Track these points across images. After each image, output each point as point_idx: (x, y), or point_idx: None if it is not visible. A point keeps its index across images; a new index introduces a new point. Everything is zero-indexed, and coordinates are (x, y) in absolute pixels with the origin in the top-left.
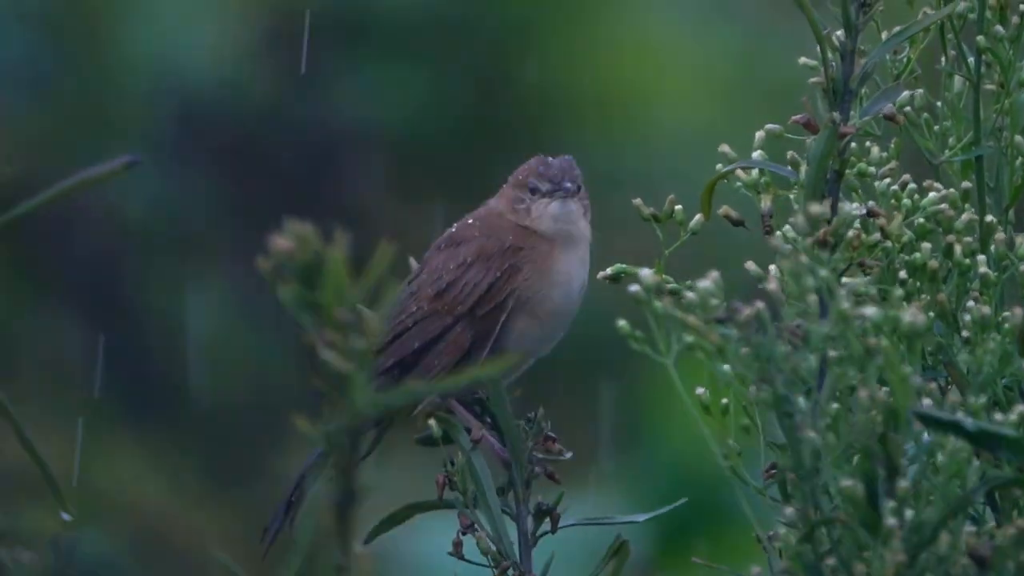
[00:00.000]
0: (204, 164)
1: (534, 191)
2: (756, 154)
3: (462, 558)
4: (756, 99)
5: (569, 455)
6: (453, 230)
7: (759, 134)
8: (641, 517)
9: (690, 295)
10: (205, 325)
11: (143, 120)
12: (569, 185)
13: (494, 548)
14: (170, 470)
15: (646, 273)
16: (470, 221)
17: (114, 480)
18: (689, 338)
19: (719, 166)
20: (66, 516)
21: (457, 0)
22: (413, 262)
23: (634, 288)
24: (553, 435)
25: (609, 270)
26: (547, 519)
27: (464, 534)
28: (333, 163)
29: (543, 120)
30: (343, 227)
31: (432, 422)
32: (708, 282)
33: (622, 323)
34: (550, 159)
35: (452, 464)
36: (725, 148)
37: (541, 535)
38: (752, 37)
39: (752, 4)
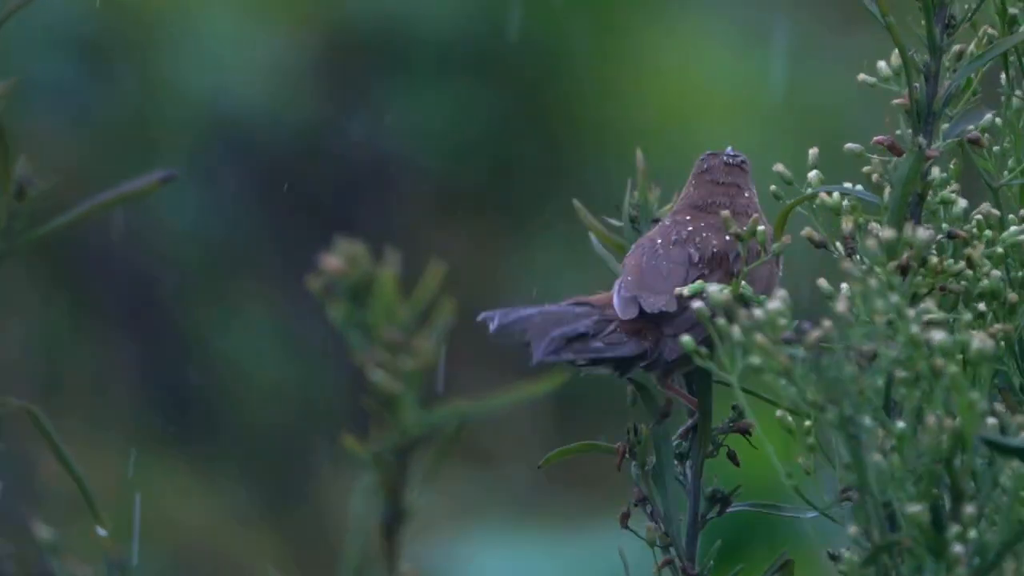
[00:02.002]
0: (247, 187)
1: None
2: (812, 174)
3: (628, 528)
4: (796, 121)
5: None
6: (683, 223)
7: (812, 151)
8: (810, 513)
9: (759, 313)
10: (246, 346)
11: (187, 144)
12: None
13: (662, 530)
14: (214, 490)
15: (713, 289)
16: (688, 215)
17: (159, 499)
18: (756, 359)
19: (772, 187)
20: (102, 531)
21: (499, 27)
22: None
23: (698, 304)
24: (751, 424)
25: (686, 289)
26: (717, 505)
27: (636, 505)
28: (375, 187)
29: (584, 144)
30: (387, 249)
31: (630, 388)
32: (777, 302)
33: (686, 338)
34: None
35: (636, 433)
36: (780, 168)
37: (711, 518)
38: (793, 59)
39: (793, 27)
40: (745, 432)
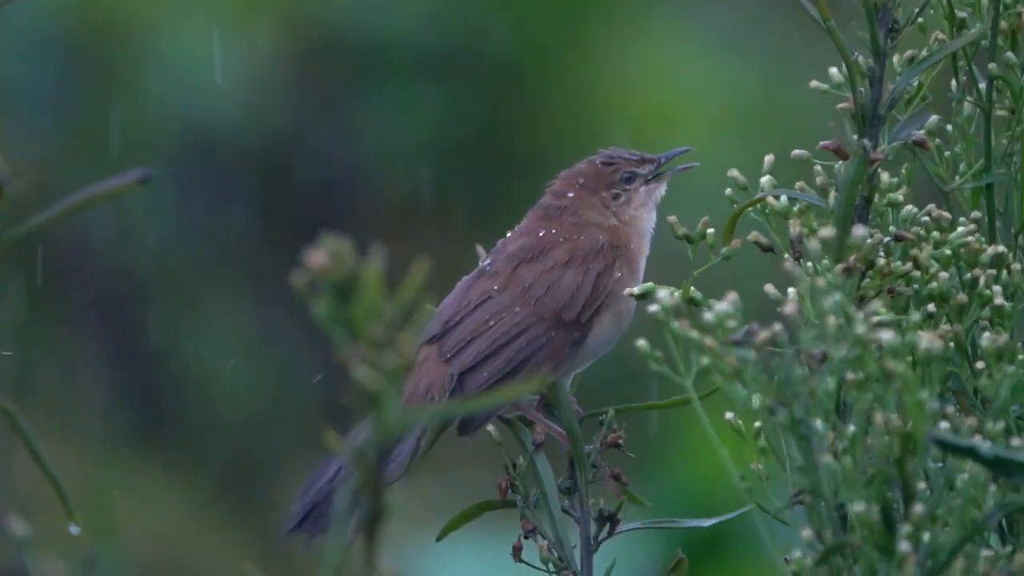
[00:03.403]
0: (218, 194)
1: (631, 179)
2: (764, 179)
3: (522, 561)
4: (772, 126)
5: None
6: (523, 241)
7: (768, 158)
8: (707, 522)
9: (708, 316)
10: (216, 349)
11: (159, 152)
12: (667, 155)
13: (555, 556)
14: (183, 490)
15: (664, 294)
16: (542, 231)
17: (128, 499)
18: (705, 360)
19: (727, 191)
20: (74, 529)
21: (475, 28)
22: (482, 251)
23: (653, 308)
24: (620, 437)
25: (636, 288)
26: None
27: (526, 538)
28: (345, 195)
29: (558, 143)
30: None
31: (491, 428)
32: (726, 304)
33: (641, 343)
34: (613, 149)
35: (515, 468)
36: (735, 173)
37: (602, 540)
38: (769, 66)
39: (770, 33)
40: (615, 445)
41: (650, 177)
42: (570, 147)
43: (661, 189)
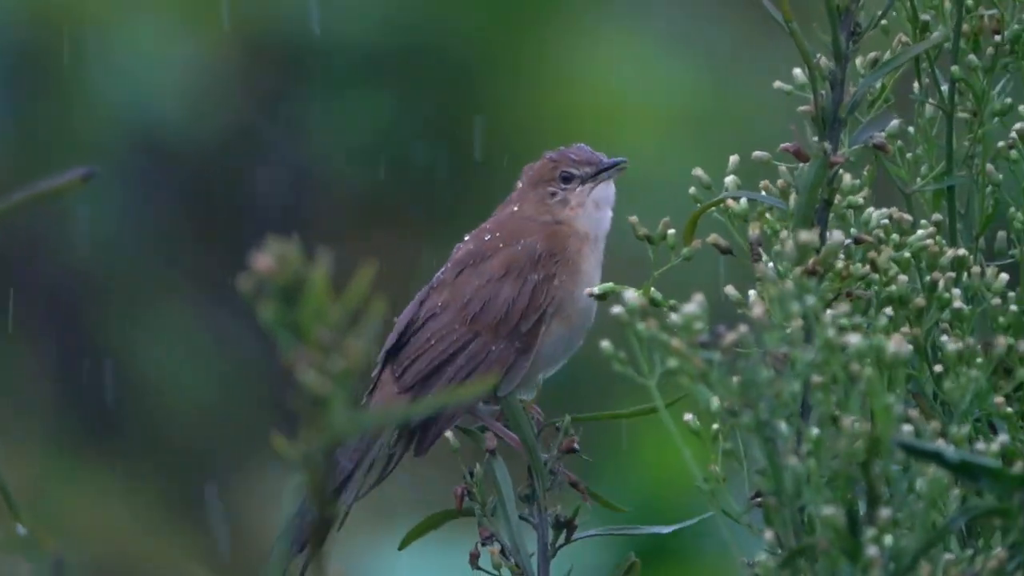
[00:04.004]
0: (166, 196)
1: (568, 179)
2: (729, 179)
3: (479, 568)
4: (720, 127)
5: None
6: (470, 246)
7: (733, 159)
8: (666, 529)
9: (674, 318)
10: (164, 352)
11: (106, 154)
12: (607, 161)
13: (512, 562)
14: (130, 492)
15: (630, 295)
16: (487, 236)
17: (76, 501)
18: (673, 362)
19: (692, 189)
20: (21, 529)
21: (425, 29)
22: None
23: (617, 309)
24: (574, 441)
25: (597, 288)
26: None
27: (483, 545)
28: (294, 196)
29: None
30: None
31: (449, 435)
32: (693, 306)
33: (605, 344)
34: (573, 147)
35: (471, 475)
36: (699, 172)
37: (560, 547)
38: (719, 66)
39: (719, 34)
40: (571, 451)
41: (587, 178)
42: (521, 148)
43: (607, 189)
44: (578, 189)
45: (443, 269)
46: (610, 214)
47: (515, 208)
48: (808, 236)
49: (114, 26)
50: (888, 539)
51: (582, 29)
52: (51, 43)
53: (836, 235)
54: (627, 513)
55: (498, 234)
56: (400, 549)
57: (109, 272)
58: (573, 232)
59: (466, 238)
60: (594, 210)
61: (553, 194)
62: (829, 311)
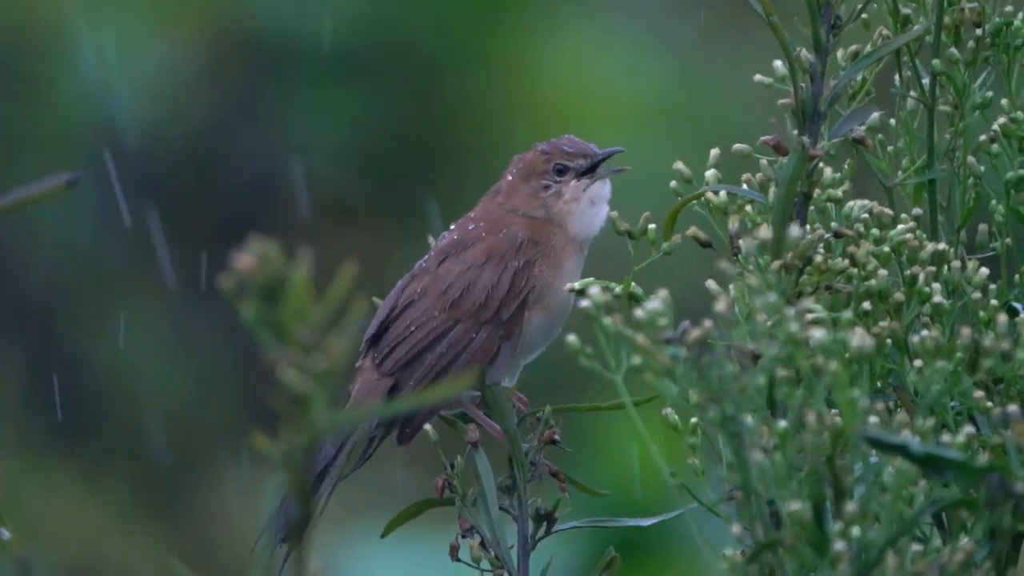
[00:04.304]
0: (142, 191)
1: (562, 172)
2: (710, 173)
3: (459, 560)
4: (695, 120)
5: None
6: (455, 235)
7: (713, 152)
8: (647, 521)
9: (639, 313)
10: (136, 352)
11: (76, 152)
12: (601, 153)
13: (492, 554)
14: (101, 493)
15: (595, 291)
16: (471, 226)
17: (50, 502)
18: (637, 358)
19: (672, 183)
20: (5, 534)
21: (396, 26)
22: (433, 242)
23: (584, 303)
24: (555, 433)
25: (576, 284)
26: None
27: (464, 537)
28: (266, 194)
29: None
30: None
31: (428, 427)
32: (657, 302)
33: (572, 338)
34: (564, 138)
35: (452, 467)
36: (680, 166)
37: (540, 539)
38: (692, 60)
39: (692, 27)
40: (552, 442)
41: (583, 171)
42: (491, 144)
43: (600, 187)
44: (572, 182)
45: (426, 257)
46: (606, 210)
47: (502, 200)
48: (771, 233)
49: (84, 25)
50: (856, 531)
51: (553, 24)
52: (20, 42)
53: (794, 229)
54: (605, 505)
55: (482, 223)
56: (383, 537)
57: (79, 272)
58: (561, 230)
59: (451, 227)
60: (588, 207)
61: (547, 187)
62: (794, 306)
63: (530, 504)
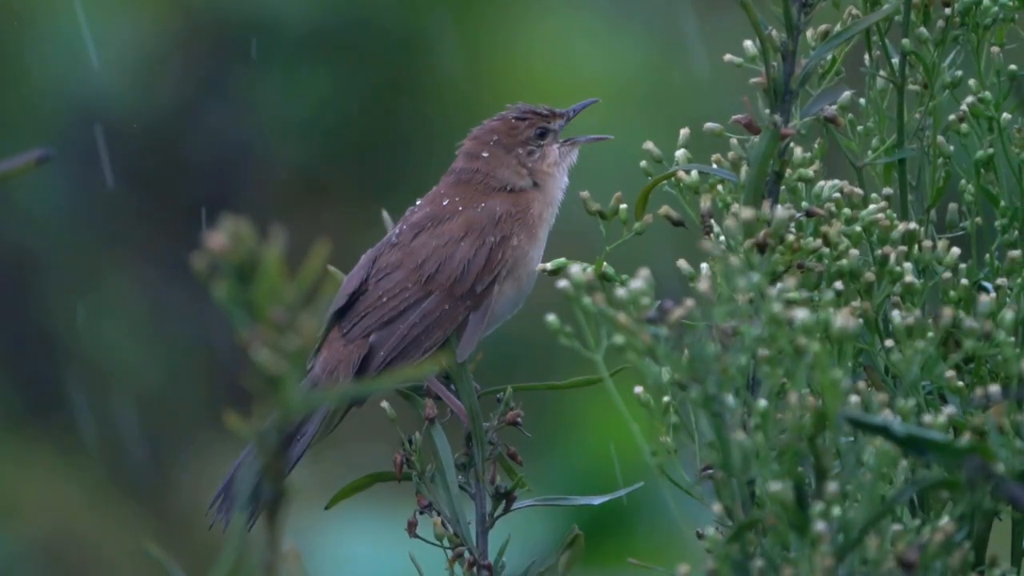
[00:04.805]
0: (113, 168)
1: (543, 135)
2: (679, 152)
3: (417, 537)
4: (668, 99)
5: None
6: (427, 209)
7: (683, 131)
8: (597, 500)
9: (621, 292)
10: (109, 329)
11: (48, 130)
12: (577, 107)
13: (451, 531)
14: (80, 472)
15: (576, 269)
16: (446, 200)
17: (24, 481)
18: (620, 338)
19: (643, 163)
20: None
21: (368, 4)
22: (388, 218)
23: (563, 284)
24: (519, 415)
25: (550, 264)
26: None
27: (421, 513)
28: (238, 173)
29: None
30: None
31: (385, 404)
32: (639, 281)
33: (552, 318)
34: (516, 106)
35: (411, 443)
36: (650, 145)
37: (498, 517)
38: (665, 39)
39: (664, 6)
40: (514, 424)
41: (560, 129)
42: (463, 122)
43: (573, 155)
44: (555, 146)
45: (396, 231)
46: (567, 179)
47: (482, 177)
48: (753, 213)
49: (53, 2)
50: (836, 511)
51: (527, 3)
52: None
53: (785, 210)
54: (580, 482)
55: (457, 198)
56: (327, 508)
57: (53, 249)
58: (541, 196)
59: (419, 202)
60: (566, 173)
61: (531, 152)
62: (777, 285)
63: (488, 482)
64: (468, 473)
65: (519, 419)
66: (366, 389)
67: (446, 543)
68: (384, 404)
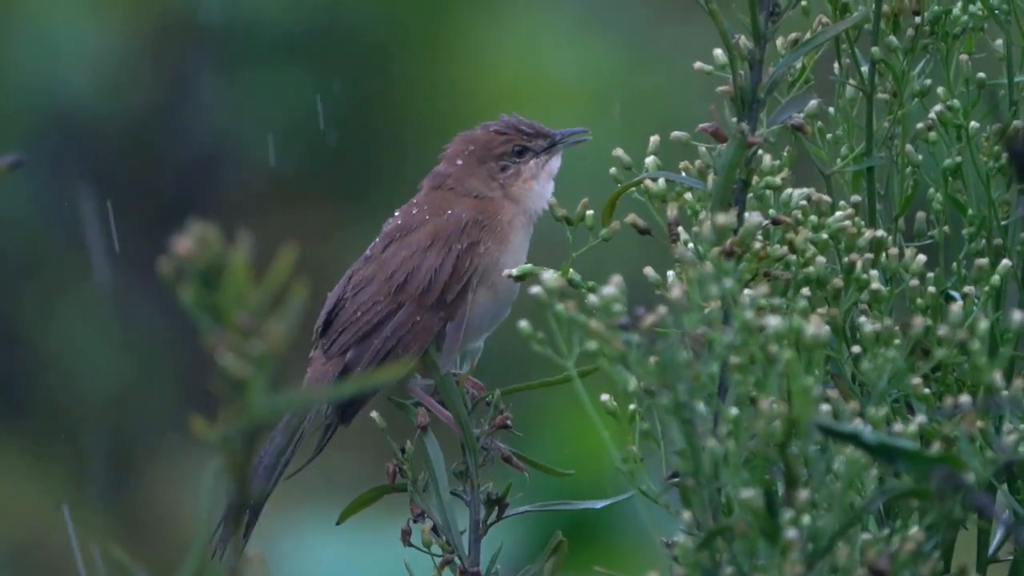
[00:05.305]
0: (83, 171)
1: (522, 153)
2: (649, 160)
3: (411, 545)
4: (639, 107)
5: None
6: (399, 220)
7: (652, 139)
8: (599, 504)
9: (593, 299)
10: (77, 330)
11: (17, 132)
12: (563, 133)
13: (443, 539)
14: (42, 475)
15: (548, 275)
16: (415, 210)
17: None
18: (592, 344)
19: (612, 170)
20: None
21: (339, 7)
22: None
23: (535, 290)
24: (508, 418)
25: (515, 270)
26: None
27: (415, 522)
28: (208, 176)
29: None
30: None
31: (374, 414)
32: (612, 288)
33: (524, 324)
34: (507, 119)
35: (403, 452)
36: (620, 152)
37: (491, 524)
38: (635, 46)
39: (636, 14)
40: (505, 427)
41: (540, 151)
42: (436, 128)
43: (555, 161)
44: (532, 162)
45: (373, 244)
46: (552, 185)
47: (453, 183)
48: (725, 219)
49: (25, 2)
50: (806, 519)
51: (499, 8)
52: None
53: (752, 217)
54: (556, 489)
55: (426, 207)
56: (338, 524)
57: (21, 252)
58: (512, 205)
59: (396, 213)
60: (545, 183)
61: (504, 168)
62: (747, 292)
63: (481, 490)
64: (464, 481)
65: (509, 422)
66: (333, 394)
67: (438, 551)
68: (374, 414)
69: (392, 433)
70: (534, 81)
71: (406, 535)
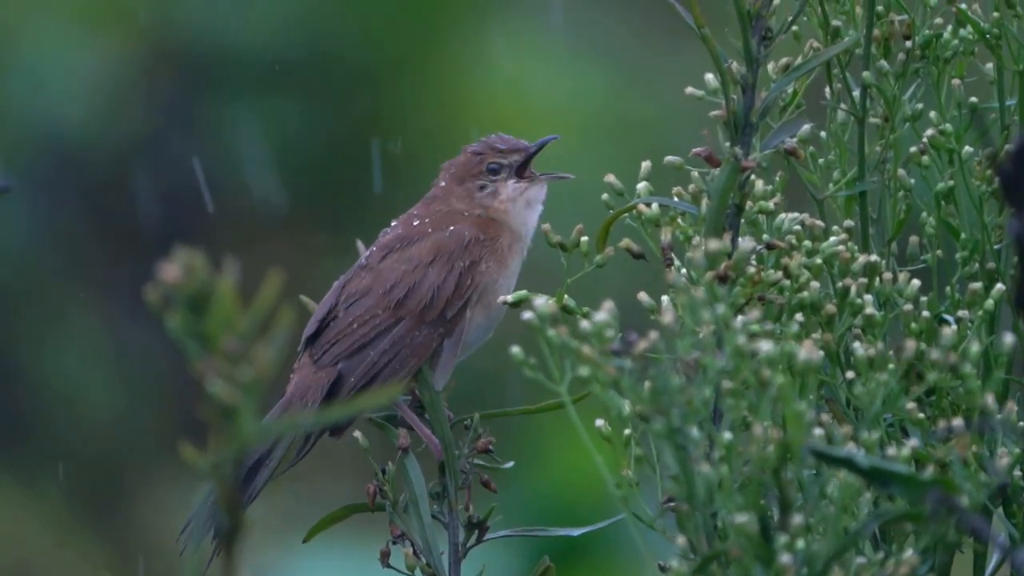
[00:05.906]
0: (76, 200)
1: (496, 171)
2: (641, 185)
3: (390, 567)
4: (631, 132)
5: (509, 464)
6: (399, 231)
7: (645, 164)
8: (576, 531)
9: (585, 325)
10: (68, 358)
11: (9, 159)
12: (534, 145)
13: (423, 561)
14: (36, 503)
15: (541, 302)
16: (416, 222)
17: None
18: (584, 371)
19: (604, 196)
20: None
21: (329, 36)
22: (362, 247)
23: (528, 315)
24: (491, 442)
25: (510, 296)
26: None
27: (394, 543)
28: (198, 203)
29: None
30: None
31: (358, 434)
32: (603, 314)
33: (516, 350)
34: (492, 136)
35: (384, 473)
36: (611, 178)
37: (470, 547)
38: (628, 71)
39: (628, 39)
40: (486, 451)
41: (516, 167)
42: (428, 154)
43: (540, 191)
44: (510, 183)
45: (367, 253)
46: (540, 210)
47: (439, 205)
48: (718, 244)
49: (17, 30)
50: (800, 543)
51: (489, 35)
52: None
53: (746, 242)
54: (543, 513)
55: (427, 220)
56: (305, 541)
57: (14, 281)
58: (505, 225)
59: (393, 223)
60: (524, 208)
61: (482, 187)
62: (740, 317)
63: (461, 512)
64: (442, 503)
65: (491, 447)
66: (329, 416)
67: (418, 573)
68: (357, 434)
69: (373, 452)
70: (525, 107)
71: (385, 556)
